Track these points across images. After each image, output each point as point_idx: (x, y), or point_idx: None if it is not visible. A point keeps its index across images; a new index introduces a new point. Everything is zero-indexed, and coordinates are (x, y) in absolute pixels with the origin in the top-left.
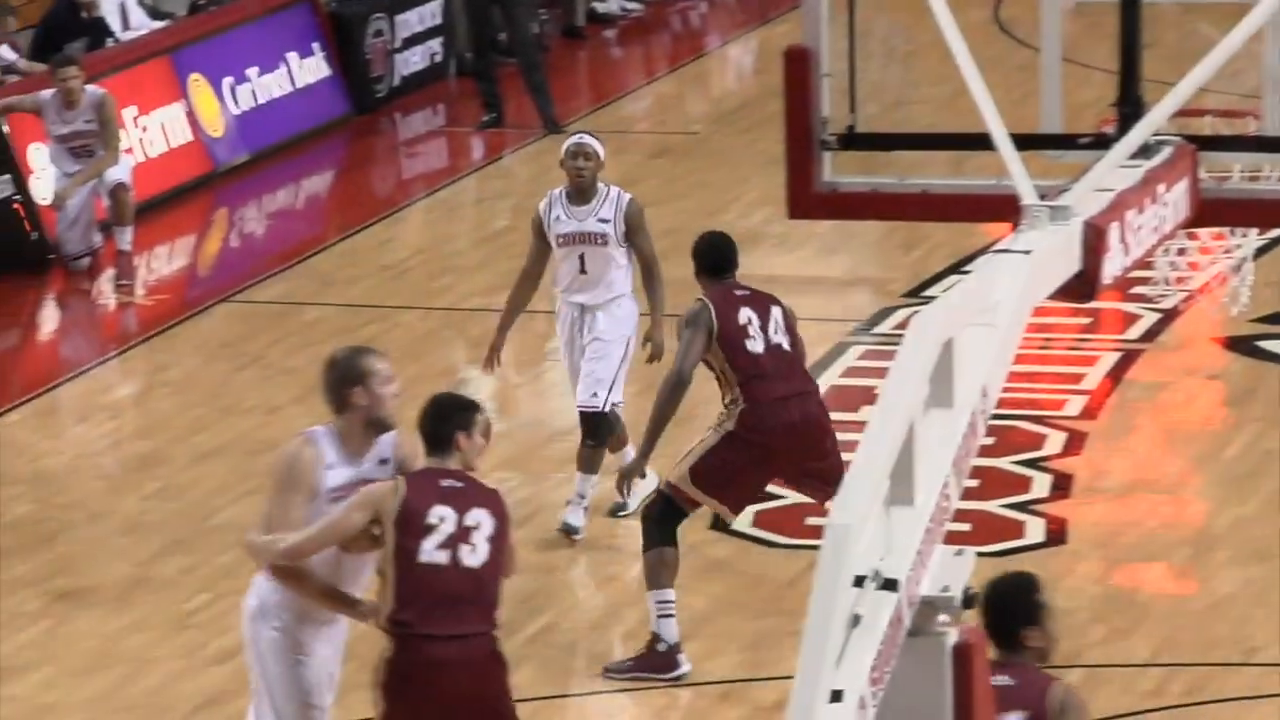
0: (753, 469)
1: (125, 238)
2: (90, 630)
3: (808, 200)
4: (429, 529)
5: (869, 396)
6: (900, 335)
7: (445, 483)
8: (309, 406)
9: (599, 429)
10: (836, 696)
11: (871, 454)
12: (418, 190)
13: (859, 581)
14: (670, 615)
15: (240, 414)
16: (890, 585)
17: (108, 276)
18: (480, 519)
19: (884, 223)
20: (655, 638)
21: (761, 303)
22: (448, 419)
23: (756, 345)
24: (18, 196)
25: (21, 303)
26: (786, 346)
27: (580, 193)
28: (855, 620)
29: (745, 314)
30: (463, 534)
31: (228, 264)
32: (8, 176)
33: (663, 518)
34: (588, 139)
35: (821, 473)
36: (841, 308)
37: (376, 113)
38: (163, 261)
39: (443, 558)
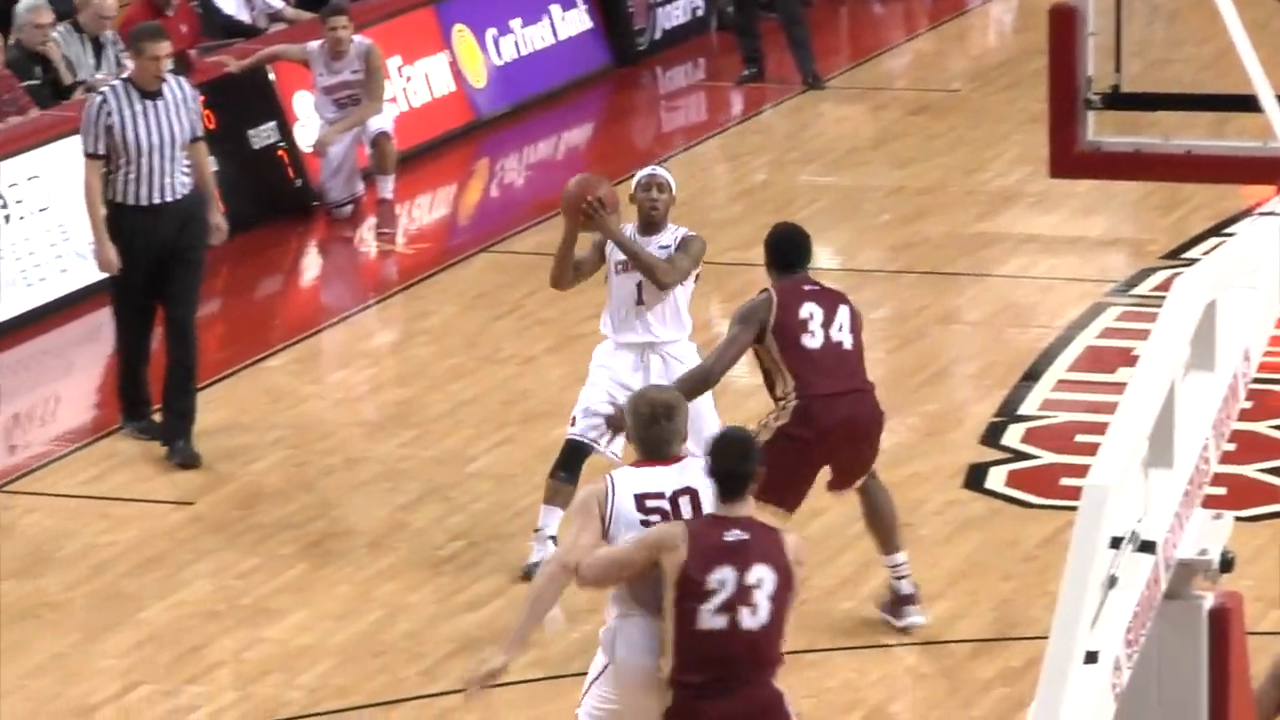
0: (804, 467)
1: (387, 186)
2: (346, 575)
3: (1070, 160)
4: (709, 594)
5: (1126, 358)
6: (1160, 297)
7: (730, 537)
8: (564, 356)
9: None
10: (1091, 658)
11: (1131, 416)
12: (676, 144)
13: (1116, 543)
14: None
15: (497, 363)
16: (1147, 547)
17: (369, 224)
18: (762, 576)
19: (1143, 184)
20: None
21: (830, 299)
22: (747, 457)
23: (813, 341)
24: (282, 144)
25: (284, 249)
26: (848, 345)
27: (649, 225)
28: (1111, 582)
29: (809, 309)
30: (743, 595)
31: (487, 214)
32: (273, 124)
33: None
34: (660, 171)
35: (852, 469)
36: (1099, 268)
37: (637, 66)
38: (423, 210)
39: (721, 623)
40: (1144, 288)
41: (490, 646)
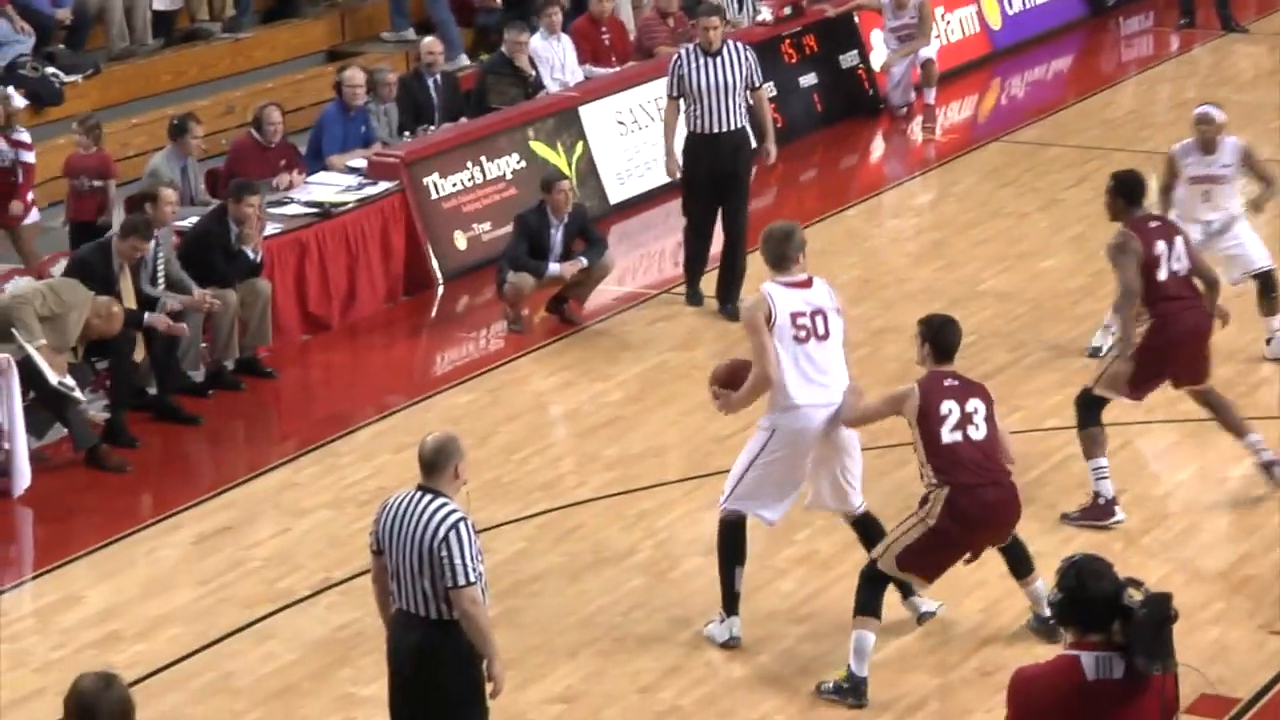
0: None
1: (930, 95)
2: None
3: None
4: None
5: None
6: None
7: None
8: (1049, 214)
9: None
10: None
11: None
12: (1131, 70)
13: None
14: (1105, 478)
15: (1001, 217)
16: None
17: (918, 122)
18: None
19: None
20: (1096, 495)
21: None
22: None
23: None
24: (861, 65)
25: (860, 138)
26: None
27: (1205, 144)
28: None
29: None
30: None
31: (999, 115)
32: (855, 51)
33: (1088, 407)
34: (1210, 109)
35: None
36: None
37: (1105, 16)
38: (954, 112)
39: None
40: None
41: None
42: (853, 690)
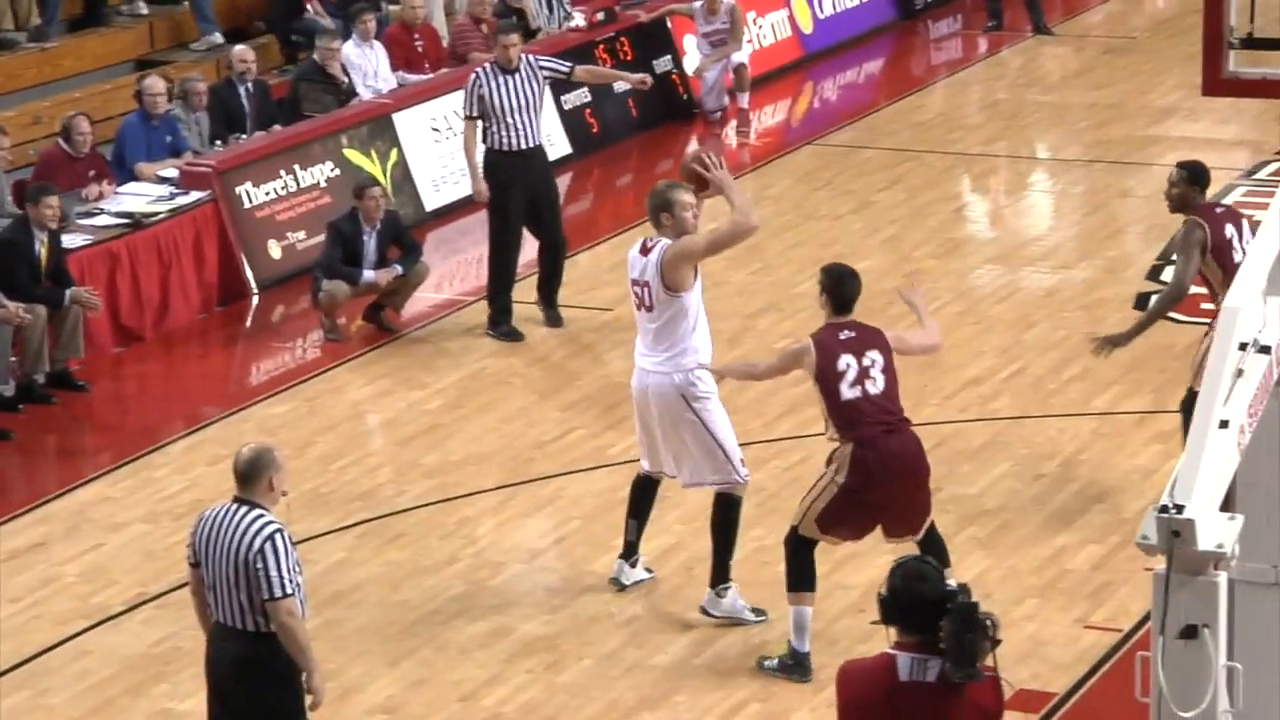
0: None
1: (744, 100)
2: None
3: (1216, 83)
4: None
5: (1251, 223)
6: (1273, 181)
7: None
8: (862, 216)
9: None
10: (1224, 424)
11: (1257, 258)
12: (941, 72)
13: (1243, 346)
14: None
15: (816, 219)
16: (1265, 350)
17: (732, 126)
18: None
19: (1264, 101)
20: None
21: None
22: None
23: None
24: (675, 70)
25: (675, 141)
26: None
27: None
28: (1239, 373)
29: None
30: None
31: (812, 119)
32: (669, 56)
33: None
34: None
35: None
36: (1230, 160)
37: (914, 19)
38: (768, 116)
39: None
40: (1262, 174)
41: None
42: (796, 666)
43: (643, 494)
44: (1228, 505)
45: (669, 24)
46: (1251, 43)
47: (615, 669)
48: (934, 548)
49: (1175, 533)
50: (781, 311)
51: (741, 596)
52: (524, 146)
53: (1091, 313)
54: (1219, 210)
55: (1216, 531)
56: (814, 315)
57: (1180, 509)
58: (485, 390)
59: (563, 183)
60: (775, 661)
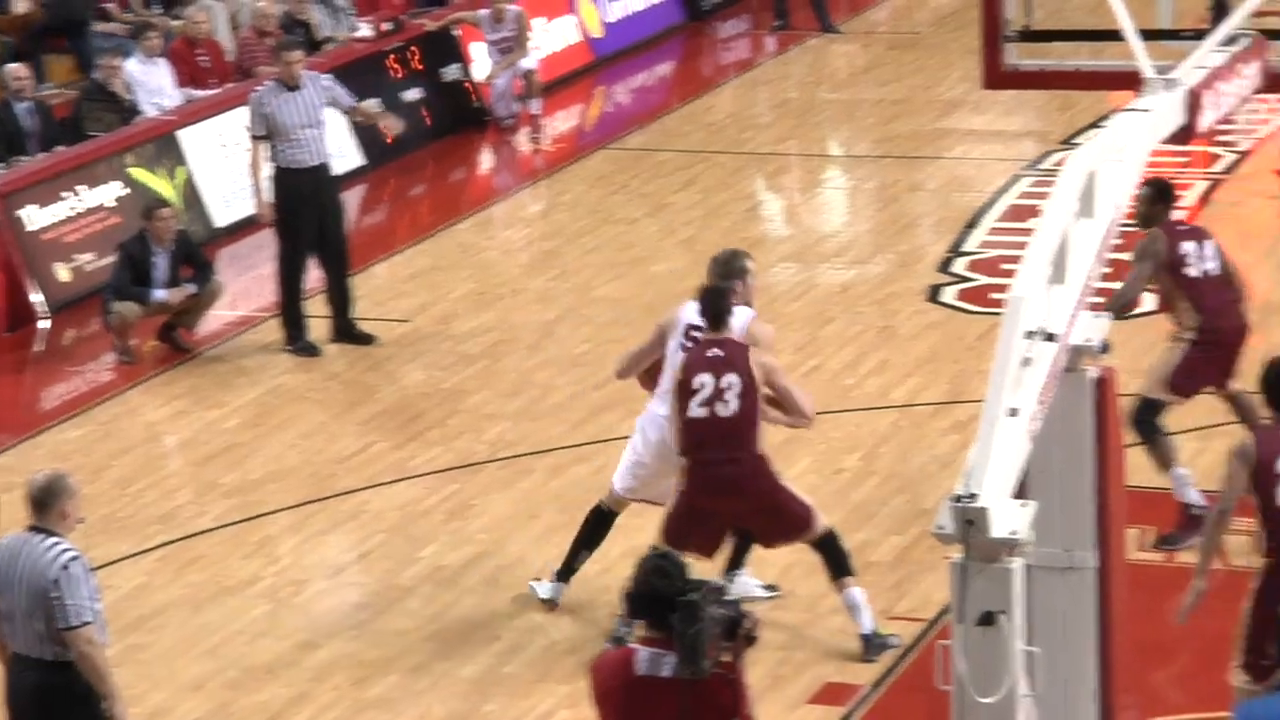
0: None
1: (535, 106)
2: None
3: (997, 76)
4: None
5: (1035, 212)
6: (1058, 170)
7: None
8: (657, 219)
9: None
10: (1013, 412)
11: (1039, 249)
12: (730, 73)
13: (1029, 335)
14: (1188, 484)
15: (612, 224)
16: (1050, 338)
17: (524, 132)
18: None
19: (1047, 91)
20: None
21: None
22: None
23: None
24: (465, 79)
25: (468, 149)
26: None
27: None
28: (1026, 361)
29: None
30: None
31: (604, 124)
32: (458, 65)
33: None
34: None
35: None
36: (1016, 151)
37: (703, 21)
38: (560, 122)
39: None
40: (1047, 164)
41: None
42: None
43: (600, 526)
44: (1021, 492)
45: (456, 32)
46: (1029, 35)
47: (423, 682)
48: (829, 553)
49: (970, 521)
50: (580, 317)
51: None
52: (311, 163)
53: (885, 306)
54: (1180, 228)
55: (1010, 519)
56: (614, 320)
57: (974, 498)
58: (283, 407)
59: (356, 194)
60: None
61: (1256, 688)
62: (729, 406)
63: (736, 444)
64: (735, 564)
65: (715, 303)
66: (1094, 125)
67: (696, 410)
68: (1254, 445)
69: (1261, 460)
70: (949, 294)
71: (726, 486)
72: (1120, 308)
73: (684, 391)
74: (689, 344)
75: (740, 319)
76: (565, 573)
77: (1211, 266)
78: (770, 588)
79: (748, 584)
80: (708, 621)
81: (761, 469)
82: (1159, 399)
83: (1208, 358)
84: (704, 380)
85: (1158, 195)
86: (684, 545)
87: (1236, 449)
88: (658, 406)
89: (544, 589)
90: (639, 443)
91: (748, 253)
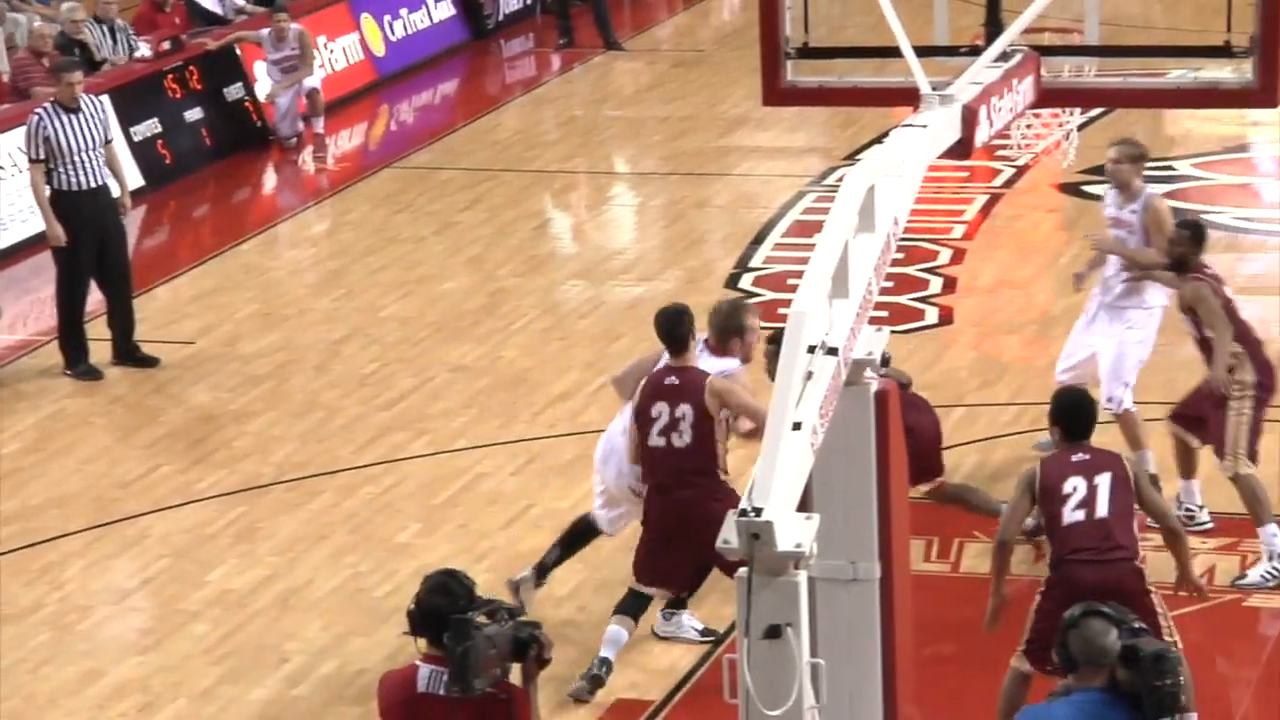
0: None
1: (319, 124)
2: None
3: (777, 94)
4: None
5: (820, 227)
6: (839, 186)
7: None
8: (444, 237)
9: None
10: (797, 426)
11: (820, 264)
12: (516, 91)
13: (812, 349)
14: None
15: (398, 243)
16: (832, 351)
17: (308, 151)
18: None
19: (828, 108)
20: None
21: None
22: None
23: None
24: (247, 98)
25: (251, 169)
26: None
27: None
28: (809, 375)
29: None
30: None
31: (389, 142)
32: (240, 83)
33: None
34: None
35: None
36: (801, 168)
37: (487, 39)
38: (345, 140)
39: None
40: (830, 180)
41: None
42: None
43: (583, 537)
44: (805, 505)
45: (238, 51)
46: (808, 52)
47: (211, 707)
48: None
49: (755, 535)
50: (368, 337)
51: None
52: (91, 185)
53: None
54: (1209, 272)
55: (795, 532)
56: (401, 340)
57: (759, 512)
58: (65, 431)
59: (137, 215)
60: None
61: (1029, 670)
62: (683, 437)
63: (692, 473)
64: (675, 603)
65: (672, 327)
66: (877, 141)
67: (654, 439)
68: (1039, 472)
69: (1045, 486)
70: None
71: (681, 515)
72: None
73: (643, 419)
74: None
75: (717, 367)
76: (541, 571)
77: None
78: (707, 632)
79: (685, 624)
80: (480, 640)
81: (719, 498)
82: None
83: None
84: (660, 409)
85: (1195, 237)
86: (654, 581)
87: (1023, 478)
88: (617, 426)
89: (520, 575)
90: (601, 481)
91: (750, 307)
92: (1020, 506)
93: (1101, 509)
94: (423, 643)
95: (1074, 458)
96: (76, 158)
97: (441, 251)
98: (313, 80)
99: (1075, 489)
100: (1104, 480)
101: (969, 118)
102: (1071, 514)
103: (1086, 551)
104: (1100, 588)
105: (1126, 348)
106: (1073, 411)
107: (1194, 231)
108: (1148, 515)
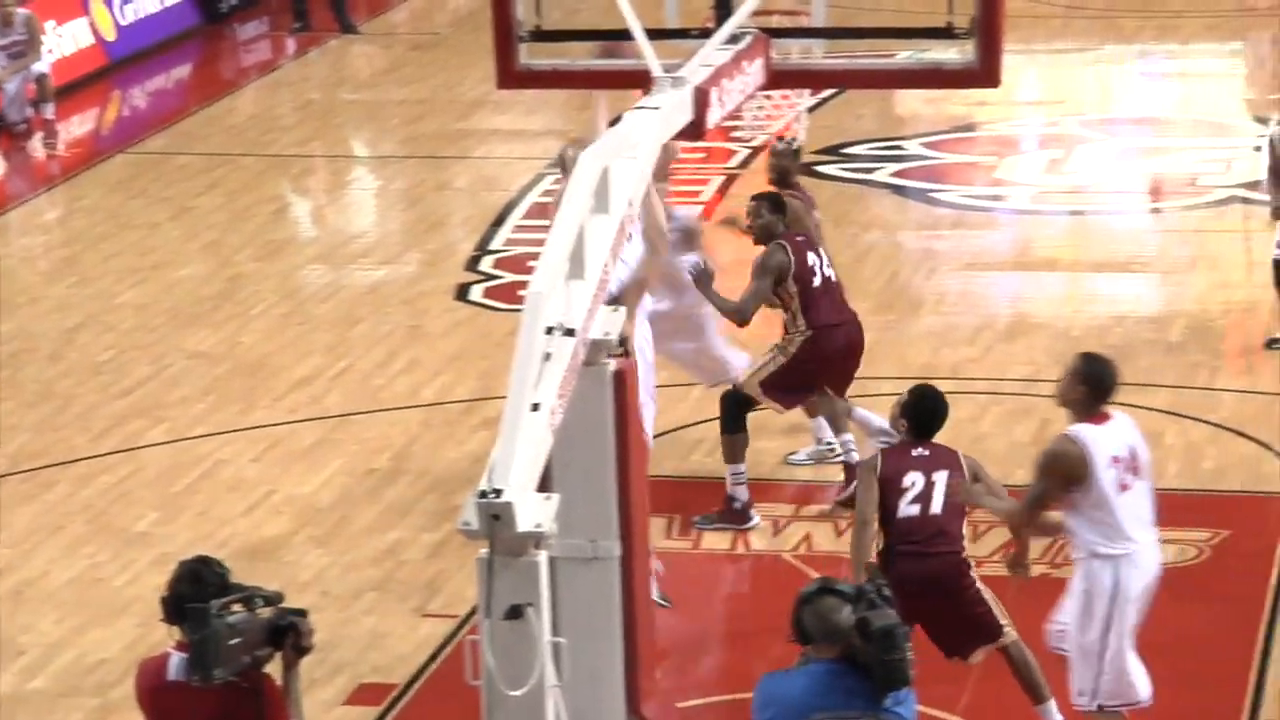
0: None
1: (48, 110)
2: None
3: (511, 77)
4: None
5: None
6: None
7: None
8: (180, 222)
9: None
10: (535, 407)
11: (556, 245)
12: (251, 75)
13: (550, 330)
14: (743, 483)
15: (133, 229)
16: (570, 333)
17: (39, 138)
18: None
19: (565, 90)
20: (732, 499)
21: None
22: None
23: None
24: None
25: None
26: (834, 278)
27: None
28: (547, 357)
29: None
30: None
31: (121, 127)
32: None
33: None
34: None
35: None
36: (540, 149)
37: (221, 23)
38: (76, 126)
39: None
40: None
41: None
42: None
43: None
44: (544, 485)
45: None
46: (541, 35)
47: None
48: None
49: (495, 516)
50: (103, 324)
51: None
52: None
53: (415, 305)
54: (800, 239)
55: (534, 512)
56: (136, 327)
57: (499, 493)
58: None
59: None
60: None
61: None
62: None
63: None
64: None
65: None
66: (612, 123)
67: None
68: (879, 461)
69: (885, 476)
70: (476, 292)
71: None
72: (741, 321)
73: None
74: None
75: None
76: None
77: (830, 273)
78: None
79: None
80: (219, 627)
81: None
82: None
83: (811, 374)
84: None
85: (774, 207)
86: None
87: (864, 463)
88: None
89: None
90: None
91: None
92: (871, 485)
93: (936, 505)
94: (176, 631)
95: (914, 452)
96: None
97: (178, 237)
98: (41, 65)
99: (914, 484)
100: (941, 478)
101: (700, 99)
102: (906, 507)
103: (913, 544)
104: (923, 579)
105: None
106: (925, 410)
107: (770, 202)
108: (988, 510)
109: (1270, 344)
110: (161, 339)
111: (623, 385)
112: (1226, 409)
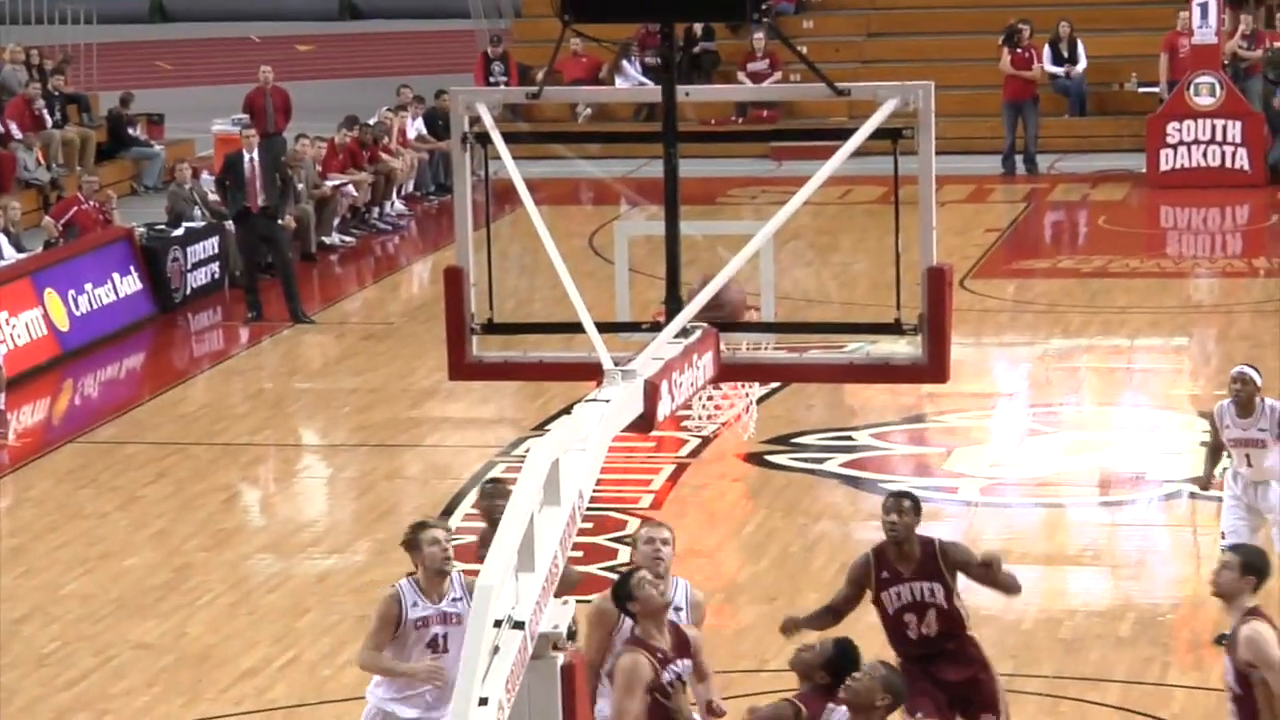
0: None
1: (0, 401)
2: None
3: (462, 369)
4: None
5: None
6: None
7: None
8: (128, 511)
9: None
10: (484, 702)
11: (506, 537)
12: (204, 364)
13: (498, 623)
14: None
15: (81, 519)
16: (519, 626)
17: None
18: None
19: (517, 382)
20: None
21: None
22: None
23: None
24: None
25: None
26: None
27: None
28: (495, 650)
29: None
30: None
31: (72, 417)
32: None
33: None
34: (1247, 369)
35: None
36: (492, 438)
37: (174, 313)
38: (27, 416)
39: None
40: (519, 450)
41: None
42: None
43: None
44: None
45: None
46: (493, 328)
47: None
48: None
49: None
50: (48, 615)
51: None
52: None
53: (363, 595)
54: None
55: None
56: (82, 617)
57: None
58: None
59: None
60: None
61: None
62: None
63: None
64: None
65: None
66: (566, 412)
67: None
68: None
69: None
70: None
71: None
72: None
73: None
74: None
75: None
76: None
77: None
78: None
79: None
80: None
81: None
82: None
83: None
84: None
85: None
86: None
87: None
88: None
89: None
90: None
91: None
92: None
93: None
94: None
95: (829, 705)
96: None
97: (125, 527)
98: None
99: None
100: None
101: (650, 392)
102: None
103: None
104: None
105: None
106: (838, 664)
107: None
108: None
109: (1219, 640)
110: (107, 629)
111: (571, 679)
112: (1178, 704)
